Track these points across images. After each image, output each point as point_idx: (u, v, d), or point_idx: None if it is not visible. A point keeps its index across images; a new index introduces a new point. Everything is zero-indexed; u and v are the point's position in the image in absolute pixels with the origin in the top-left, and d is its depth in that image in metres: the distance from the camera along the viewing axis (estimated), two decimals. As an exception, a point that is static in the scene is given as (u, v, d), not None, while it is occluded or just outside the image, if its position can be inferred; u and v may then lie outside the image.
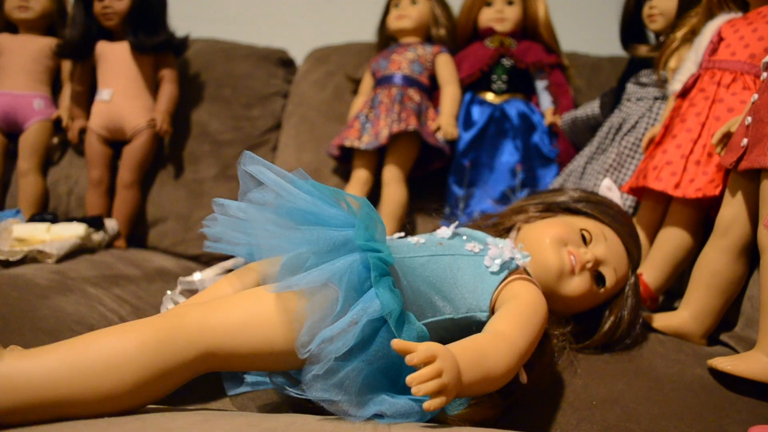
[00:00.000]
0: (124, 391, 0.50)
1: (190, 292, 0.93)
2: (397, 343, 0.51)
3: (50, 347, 0.51)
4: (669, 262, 1.01)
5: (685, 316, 0.90)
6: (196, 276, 0.97)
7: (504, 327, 0.62)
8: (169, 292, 0.90)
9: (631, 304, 0.82)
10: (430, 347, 0.51)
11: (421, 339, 0.57)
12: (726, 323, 0.91)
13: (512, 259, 0.71)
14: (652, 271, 1.02)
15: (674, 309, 0.93)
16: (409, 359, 0.50)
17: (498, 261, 0.70)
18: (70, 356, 0.50)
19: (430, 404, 0.49)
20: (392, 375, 0.57)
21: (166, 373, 0.52)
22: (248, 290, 0.61)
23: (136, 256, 1.38)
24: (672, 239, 1.01)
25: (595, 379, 0.74)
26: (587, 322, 0.83)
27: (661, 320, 0.91)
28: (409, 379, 0.49)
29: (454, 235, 0.76)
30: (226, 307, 0.57)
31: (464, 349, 0.56)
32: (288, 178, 0.61)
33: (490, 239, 0.75)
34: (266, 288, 0.57)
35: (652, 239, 1.06)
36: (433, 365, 0.50)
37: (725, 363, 0.74)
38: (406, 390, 0.56)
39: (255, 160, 0.62)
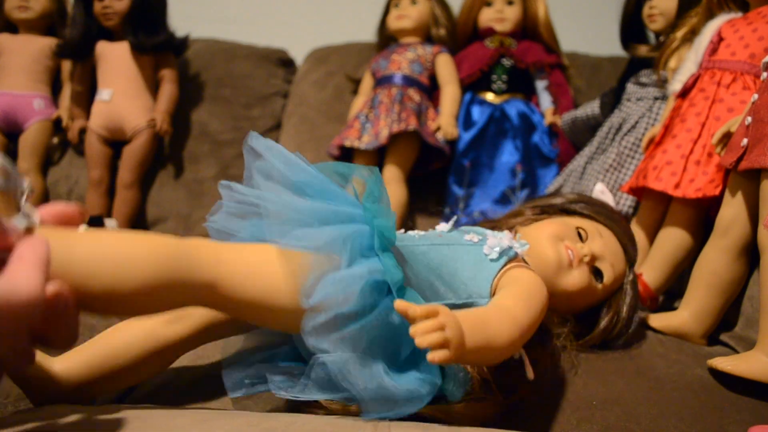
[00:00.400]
0: (125, 292, 0.49)
1: None
2: (399, 303, 0.51)
3: (74, 233, 0.51)
4: (669, 262, 1.01)
5: (685, 316, 0.90)
6: None
7: (506, 302, 0.63)
8: None
9: (629, 300, 0.83)
10: (433, 305, 0.52)
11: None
12: (726, 323, 0.91)
13: (510, 247, 0.72)
14: (652, 271, 1.02)
15: (674, 309, 0.93)
16: (412, 311, 0.50)
17: (497, 249, 0.70)
18: (84, 243, 0.49)
19: (433, 356, 0.49)
20: (390, 353, 0.57)
21: (169, 286, 0.52)
22: (266, 244, 0.61)
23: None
24: (672, 239, 1.01)
25: (595, 379, 0.74)
26: (586, 321, 0.84)
27: (661, 320, 0.91)
28: (412, 330, 0.49)
29: (453, 229, 0.78)
30: (242, 249, 0.58)
31: (467, 314, 0.56)
32: (293, 154, 0.62)
33: (488, 231, 0.76)
34: (274, 244, 0.57)
35: (652, 239, 1.06)
36: (435, 319, 0.50)
37: (725, 363, 0.74)
38: (402, 370, 0.56)
39: (260, 138, 0.63)
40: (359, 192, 0.63)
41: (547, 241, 0.79)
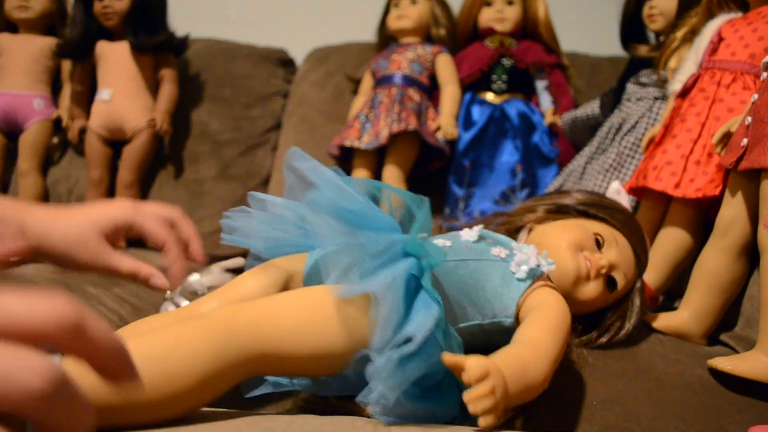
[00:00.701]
0: (174, 400, 0.49)
1: (192, 293, 0.93)
2: (448, 358, 0.51)
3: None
4: (669, 262, 1.01)
5: (685, 316, 0.89)
6: (194, 277, 0.97)
7: (539, 337, 0.62)
8: (168, 292, 0.90)
9: (636, 308, 0.83)
10: (482, 364, 0.51)
11: (459, 348, 0.59)
12: (726, 323, 0.91)
13: (538, 266, 0.71)
14: (652, 271, 1.02)
15: (674, 309, 0.93)
16: (467, 379, 0.50)
17: (524, 267, 0.70)
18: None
19: (485, 422, 0.49)
20: (420, 380, 0.57)
21: (217, 380, 0.51)
22: (300, 291, 0.61)
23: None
24: (672, 239, 1.01)
25: (595, 379, 0.74)
26: (592, 322, 0.83)
27: (661, 320, 0.91)
28: (467, 397, 0.49)
29: (479, 238, 0.76)
30: (282, 310, 0.56)
31: (509, 361, 0.56)
32: (338, 177, 0.62)
33: (514, 244, 0.75)
34: (332, 292, 0.57)
35: (652, 239, 1.06)
36: (487, 383, 0.50)
37: (725, 363, 0.74)
38: (427, 394, 0.57)
39: (305, 156, 0.63)
40: (395, 206, 0.63)
41: (568, 251, 0.77)
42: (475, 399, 0.49)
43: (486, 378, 0.50)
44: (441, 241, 0.74)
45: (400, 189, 0.66)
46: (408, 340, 0.53)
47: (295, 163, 0.62)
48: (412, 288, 0.58)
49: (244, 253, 0.77)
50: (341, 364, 0.57)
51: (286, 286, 0.68)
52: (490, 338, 0.69)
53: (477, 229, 0.77)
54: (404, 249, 0.60)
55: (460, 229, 0.79)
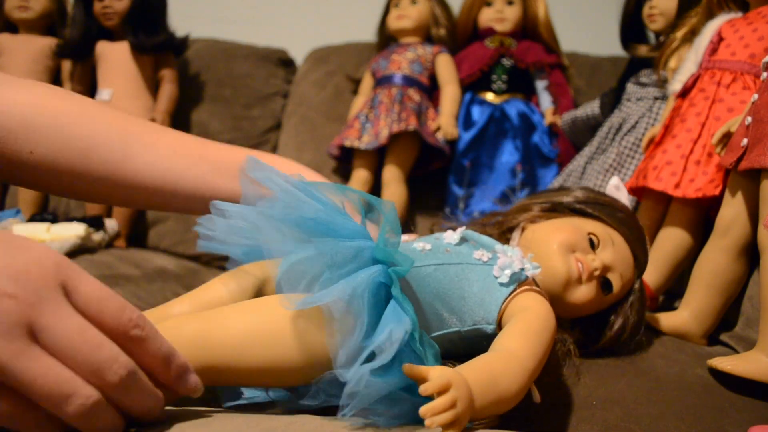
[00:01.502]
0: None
1: None
2: (408, 368, 0.48)
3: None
4: (669, 262, 1.01)
5: (685, 316, 0.89)
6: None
7: (514, 345, 0.60)
8: None
9: (636, 310, 0.80)
10: (444, 375, 0.48)
11: (436, 357, 0.56)
12: (726, 323, 0.91)
13: (522, 270, 0.68)
14: (652, 271, 1.02)
15: (674, 309, 0.93)
16: (423, 390, 0.47)
17: (508, 272, 0.67)
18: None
19: None
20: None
21: None
22: (253, 301, 0.59)
23: (136, 256, 1.38)
24: (672, 239, 1.01)
25: (595, 379, 0.74)
26: (590, 326, 0.82)
27: (661, 320, 0.91)
28: (423, 410, 0.46)
29: (462, 240, 0.73)
30: (230, 321, 0.54)
31: (476, 372, 0.54)
32: (296, 184, 0.59)
33: (498, 246, 0.72)
34: (284, 304, 0.54)
35: (652, 239, 1.06)
36: (447, 396, 0.47)
37: (725, 363, 0.74)
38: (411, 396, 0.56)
39: (261, 166, 0.60)
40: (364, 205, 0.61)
41: (558, 252, 0.75)
42: (431, 412, 0.46)
43: (447, 390, 0.48)
44: (421, 244, 0.72)
45: (364, 192, 0.62)
46: (376, 354, 0.51)
47: (251, 172, 0.59)
48: (382, 297, 0.55)
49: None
50: (301, 377, 0.54)
51: (258, 292, 0.65)
52: (472, 345, 0.67)
53: (460, 231, 0.74)
54: (373, 256, 0.57)
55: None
